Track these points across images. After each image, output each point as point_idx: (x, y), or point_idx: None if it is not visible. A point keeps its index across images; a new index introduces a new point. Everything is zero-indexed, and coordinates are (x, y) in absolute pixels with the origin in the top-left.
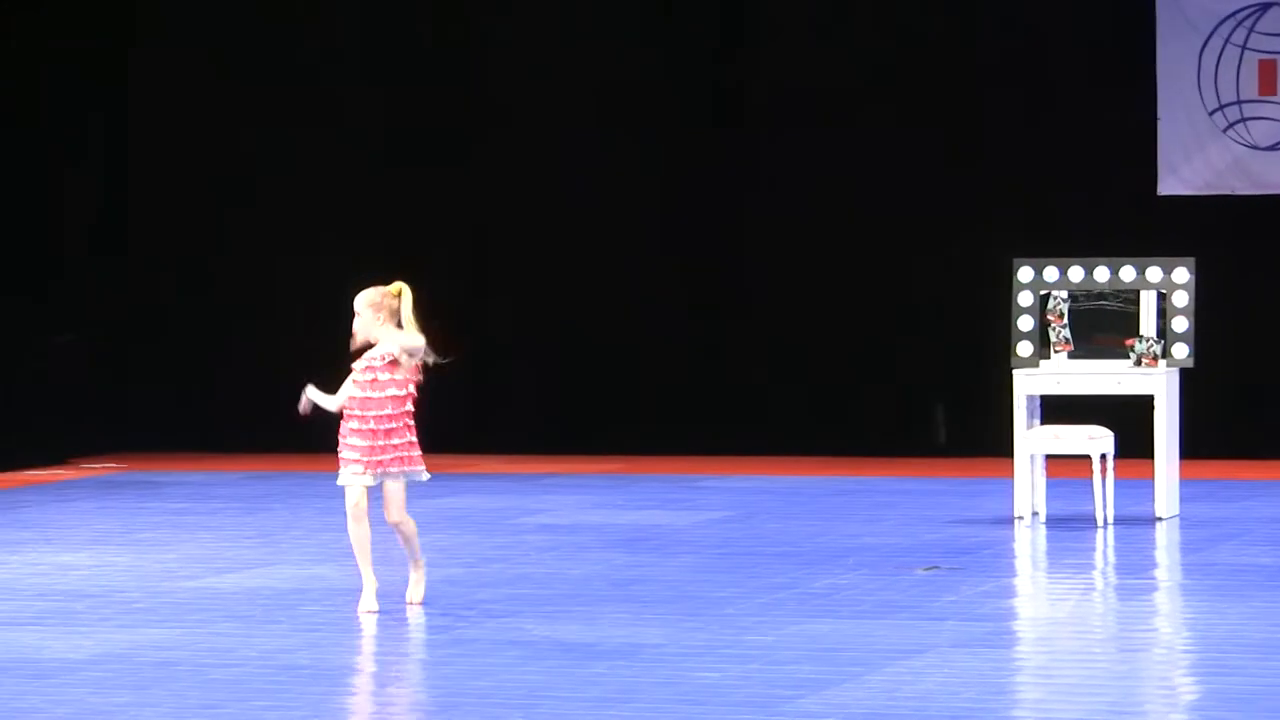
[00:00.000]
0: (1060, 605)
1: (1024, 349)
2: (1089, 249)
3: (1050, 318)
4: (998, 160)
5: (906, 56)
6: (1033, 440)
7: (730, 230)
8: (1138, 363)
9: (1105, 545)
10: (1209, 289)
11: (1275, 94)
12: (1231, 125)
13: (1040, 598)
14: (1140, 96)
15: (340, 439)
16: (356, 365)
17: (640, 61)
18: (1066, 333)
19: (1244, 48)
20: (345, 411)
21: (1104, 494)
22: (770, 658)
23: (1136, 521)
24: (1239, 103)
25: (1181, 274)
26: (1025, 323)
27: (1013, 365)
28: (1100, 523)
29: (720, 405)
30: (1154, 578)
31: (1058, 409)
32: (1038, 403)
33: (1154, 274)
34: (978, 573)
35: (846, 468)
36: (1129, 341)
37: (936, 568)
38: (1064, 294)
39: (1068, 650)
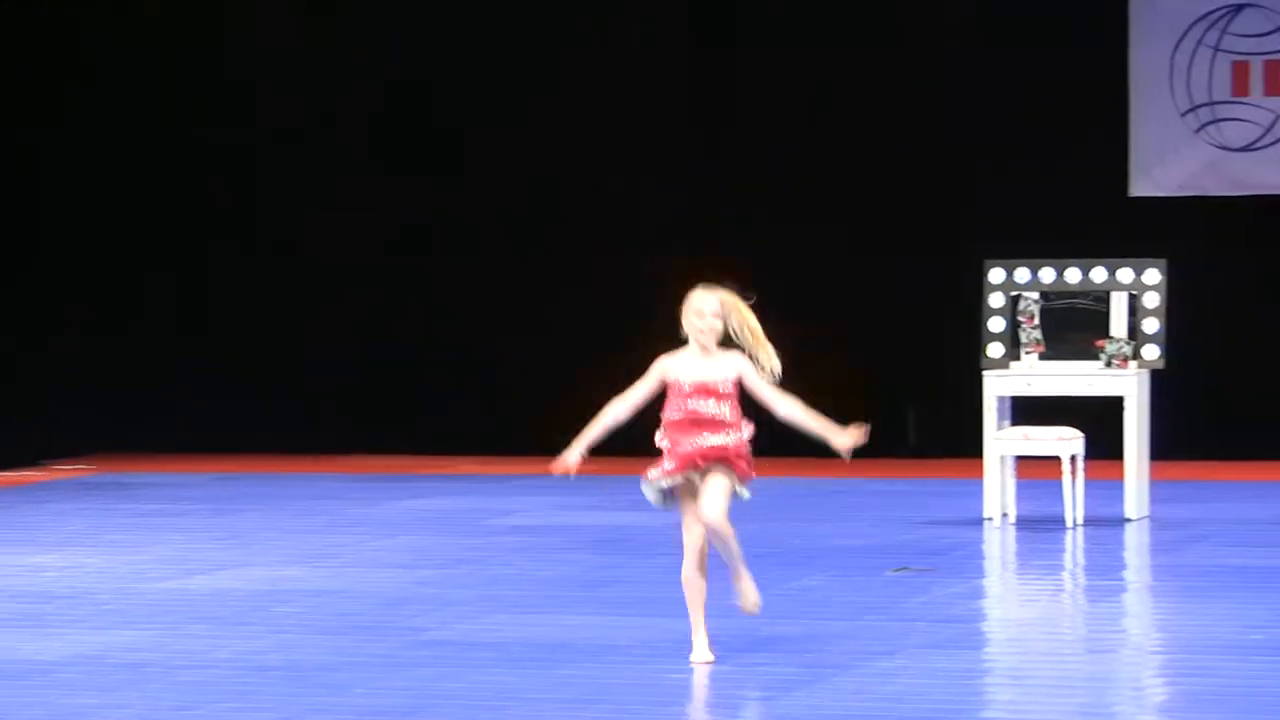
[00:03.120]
0: (1030, 606)
1: (995, 350)
2: (1061, 250)
3: (1021, 319)
4: (970, 161)
5: (877, 56)
6: (1003, 441)
7: (702, 229)
8: (1108, 364)
9: (1075, 546)
10: (1181, 290)
11: (1248, 95)
12: (1204, 126)
13: (1010, 599)
14: (1113, 97)
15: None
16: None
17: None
18: (1038, 334)
19: (1217, 49)
20: None
21: (1074, 495)
22: (740, 659)
23: (1106, 523)
24: (1212, 104)
25: (1153, 275)
26: (996, 324)
27: (983, 367)
28: (1070, 524)
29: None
30: (1123, 579)
31: (1028, 410)
32: (1008, 404)
33: (1125, 275)
34: (948, 574)
35: (817, 469)
36: (1100, 343)
37: (907, 569)
38: (1035, 295)
39: (1038, 651)
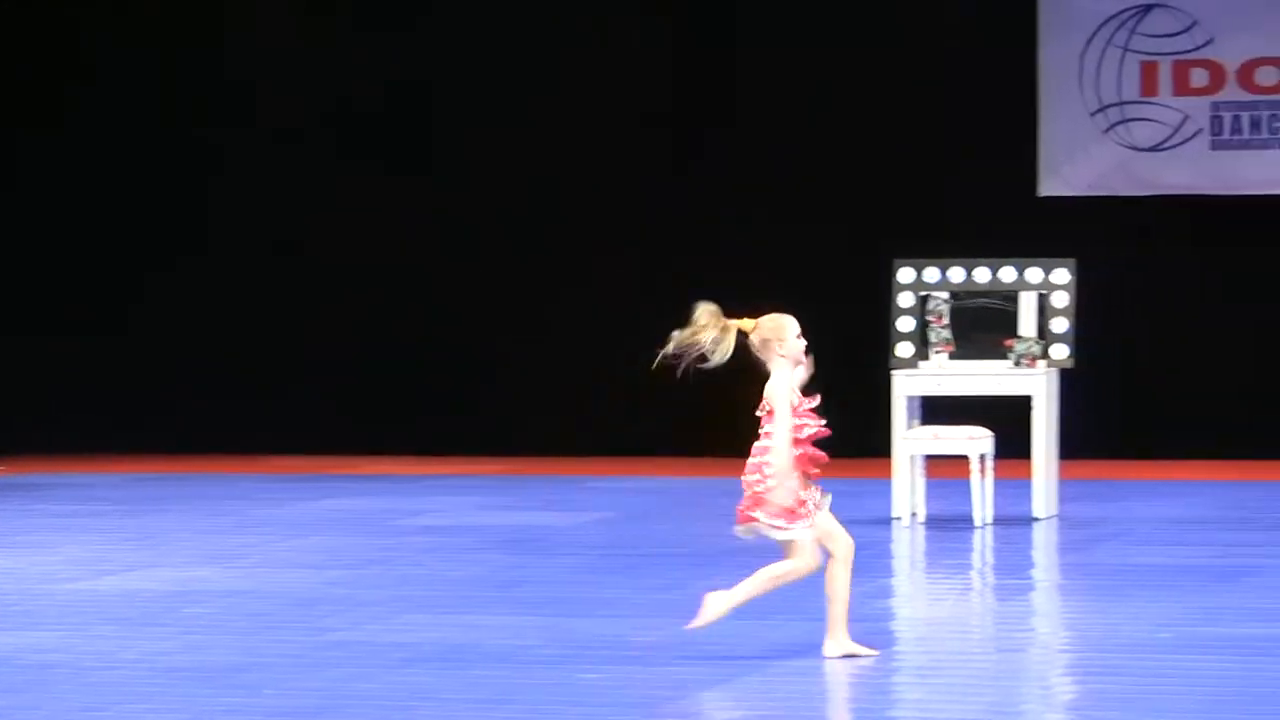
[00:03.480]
0: (939, 605)
1: (904, 350)
2: (970, 250)
3: (930, 318)
4: (878, 160)
5: (787, 56)
6: (912, 441)
7: (616, 232)
8: (1017, 363)
9: (984, 546)
10: (1089, 290)
11: (1157, 95)
12: (1113, 126)
13: (919, 598)
14: (1022, 97)
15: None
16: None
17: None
18: (947, 334)
19: (1126, 49)
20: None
21: (983, 494)
22: (651, 658)
23: (1015, 522)
24: (1121, 104)
25: (1062, 275)
26: (905, 324)
27: (892, 366)
28: (979, 523)
29: (604, 406)
30: (1032, 578)
31: (937, 410)
32: (917, 403)
33: (1034, 275)
34: (857, 573)
35: (729, 468)
36: (1009, 342)
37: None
38: (944, 295)
39: (946, 650)
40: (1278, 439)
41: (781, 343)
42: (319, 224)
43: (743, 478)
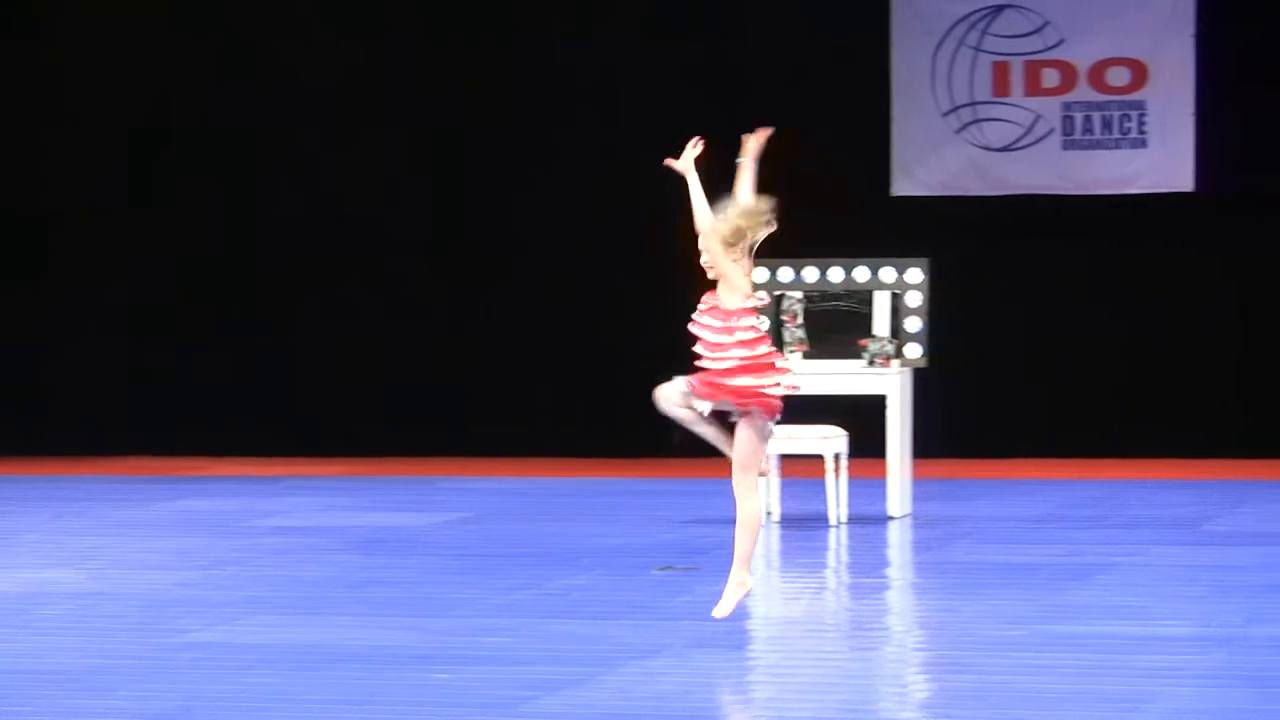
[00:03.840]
0: (794, 604)
1: None
2: (824, 250)
3: (785, 318)
4: (731, 160)
5: (644, 49)
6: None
7: (469, 229)
8: (871, 363)
9: (838, 544)
10: (943, 290)
11: (1009, 95)
12: (965, 126)
13: (774, 597)
14: (875, 97)
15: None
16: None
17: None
18: (801, 333)
19: (978, 49)
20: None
21: (837, 493)
22: (506, 659)
23: (870, 520)
24: (973, 104)
25: (915, 274)
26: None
27: None
28: (834, 522)
29: (457, 407)
30: (887, 576)
31: (792, 409)
32: None
33: (888, 274)
34: (713, 573)
35: (583, 469)
36: (863, 342)
37: (672, 568)
38: (799, 295)
39: (801, 649)
40: (1130, 437)
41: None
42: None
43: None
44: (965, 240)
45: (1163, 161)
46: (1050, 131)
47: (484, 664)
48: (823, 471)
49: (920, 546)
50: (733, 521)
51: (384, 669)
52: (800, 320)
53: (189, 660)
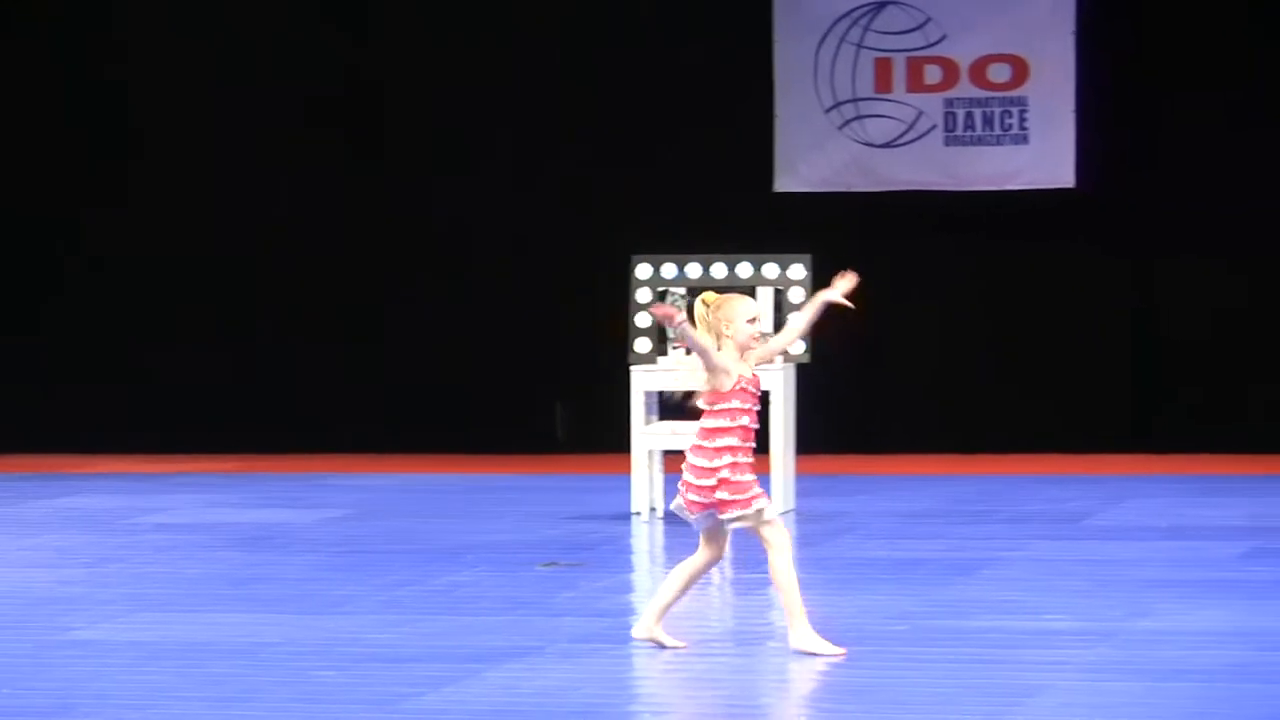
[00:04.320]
0: (679, 600)
1: (642, 345)
2: (707, 245)
3: None
4: (616, 156)
5: (517, 43)
6: (651, 436)
7: (344, 228)
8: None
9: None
10: (825, 285)
11: (891, 92)
12: (848, 123)
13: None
14: (758, 93)
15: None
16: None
17: None
18: None
19: (860, 46)
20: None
21: None
22: (390, 655)
23: None
24: (855, 100)
25: (798, 270)
26: (643, 319)
27: (631, 362)
28: None
29: (342, 403)
30: (769, 571)
31: (677, 406)
32: (656, 399)
33: (771, 270)
34: (597, 568)
35: (467, 465)
36: None
37: (556, 564)
38: (682, 290)
39: (685, 644)
40: (1013, 431)
41: (730, 323)
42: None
43: (693, 465)
44: (848, 236)
45: (1044, 158)
46: (932, 128)
47: (368, 661)
48: None
49: (803, 542)
50: (615, 518)
51: (268, 666)
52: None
53: (71, 658)
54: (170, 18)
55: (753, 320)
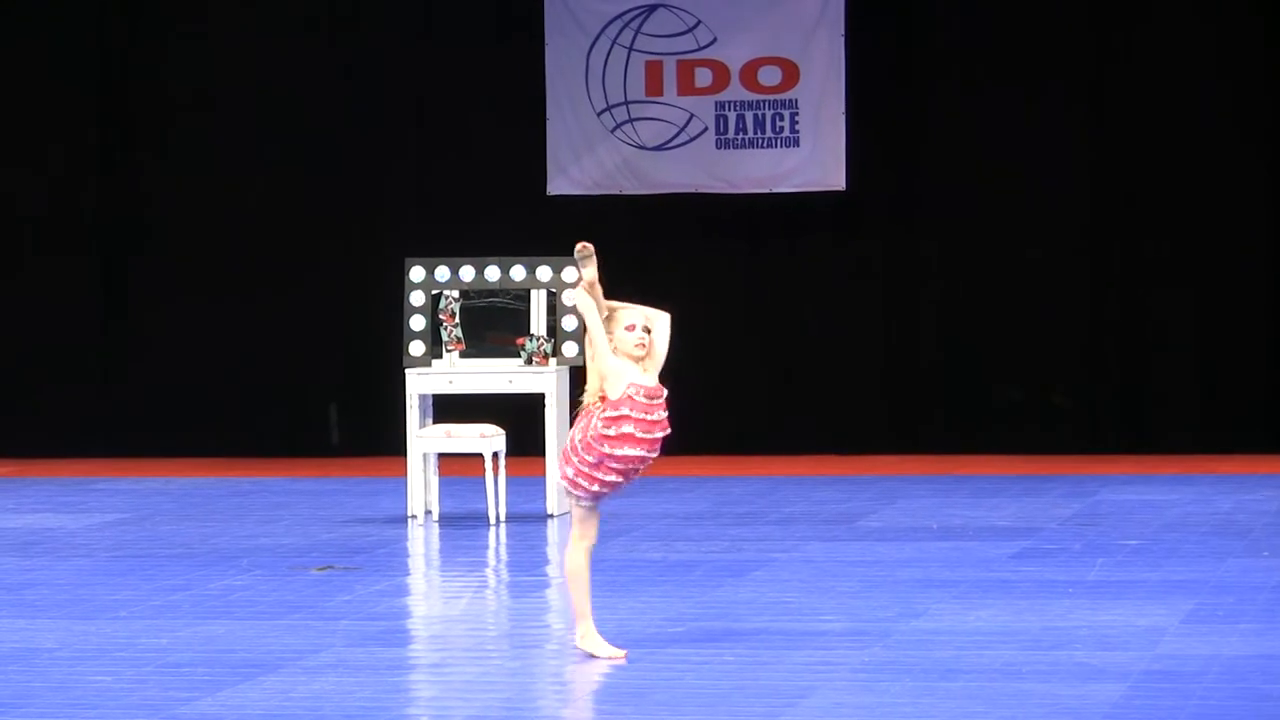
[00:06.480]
0: (454, 603)
1: (416, 348)
2: (481, 248)
3: (442, 317)
4: (389, 159)
5: (301, 46)
6: (425, 439)
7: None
8: (529, 361)
9: (498, 542)
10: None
11: (662, 95)
12: (620, 125)
13: (434, 595)
14: (531, 95)
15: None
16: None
17: None
18: (458, 332)
19: (631, 49)
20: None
21: (496, 492)
22: (164, 660)
23: (529, 519)
24: (627, 103)
25: (571, 273)
26: (417, 322)
27: (405, 365)
28: (493, 520)
29: (116, 407)
30: (546, 574)
31: (451, 408)
32: (430, 402)
33: (544, 273)
34: (372, 572)
35: (241, 469)
36: (520, 340)
37: (331, 567)
38: (456, 293)
39: (462, 647)
40: (783, 433)
41: (611, 334)
42: None
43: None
44: (620, 239)
45: (814, 160)
46: (704, 130)
47: (142, 665)
48: (481, 470)
49: None
50: (390, 521)
51: (42, 670)
52: (457, 319)
53: None
54: None
55: (630, 328)
